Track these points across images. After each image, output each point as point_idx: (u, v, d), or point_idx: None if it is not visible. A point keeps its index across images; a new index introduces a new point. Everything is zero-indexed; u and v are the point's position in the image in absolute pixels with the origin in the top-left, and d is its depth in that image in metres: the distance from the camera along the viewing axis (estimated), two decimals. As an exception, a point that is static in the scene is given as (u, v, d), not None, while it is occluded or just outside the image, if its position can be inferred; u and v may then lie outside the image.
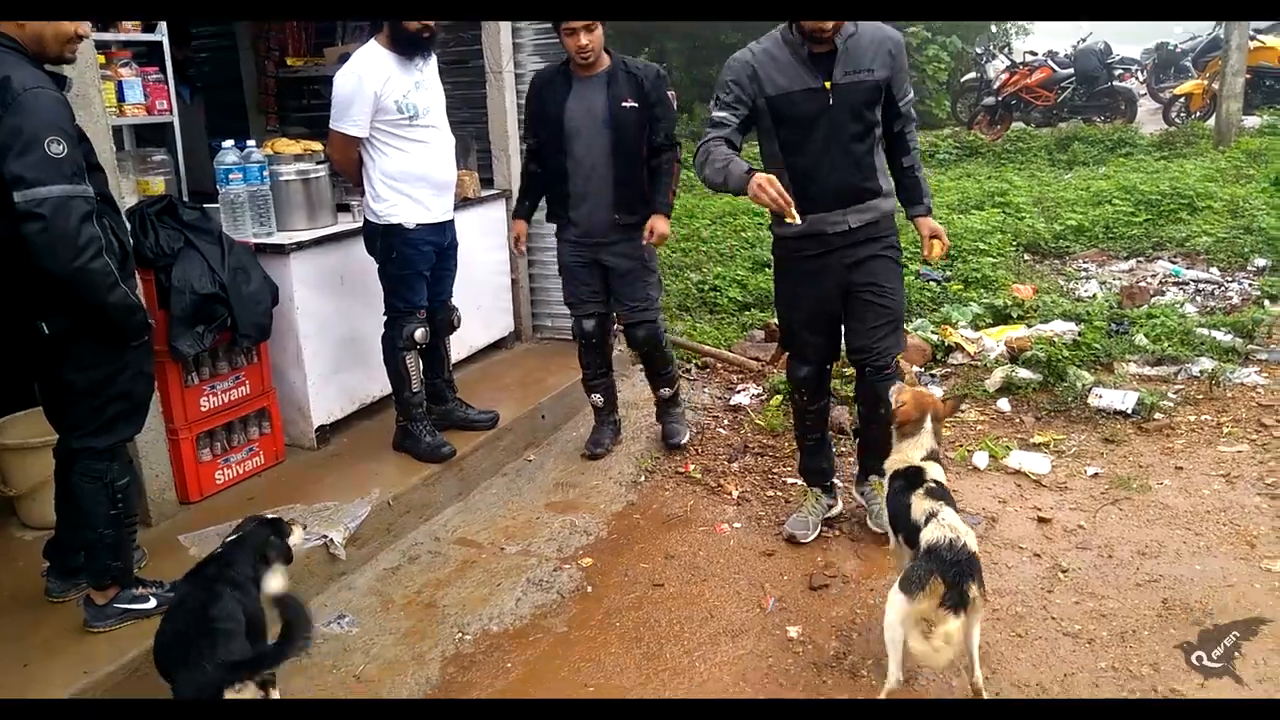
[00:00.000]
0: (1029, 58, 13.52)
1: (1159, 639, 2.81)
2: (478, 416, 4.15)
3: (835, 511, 3.61)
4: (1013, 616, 2.97)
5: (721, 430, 4.53)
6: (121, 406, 2.67)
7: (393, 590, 3.29)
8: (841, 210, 3.14)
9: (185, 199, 4.00)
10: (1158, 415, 4.28)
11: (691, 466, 4.13)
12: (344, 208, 4.17)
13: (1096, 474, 3.85)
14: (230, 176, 3.81)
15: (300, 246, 3.82)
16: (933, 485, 2.70)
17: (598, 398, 4.26)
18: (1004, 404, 4.56)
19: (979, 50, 13.78)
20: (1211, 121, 10.82)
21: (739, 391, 4.93)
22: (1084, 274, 6.42)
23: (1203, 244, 6.56)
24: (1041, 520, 3.52)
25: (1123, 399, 4.35)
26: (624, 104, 3.76)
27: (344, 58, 3.73)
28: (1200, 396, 4.47)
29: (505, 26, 4.87)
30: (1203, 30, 13.69)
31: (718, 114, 3.12)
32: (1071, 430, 4.27)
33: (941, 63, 14.52)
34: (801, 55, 3.04)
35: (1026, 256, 6.91)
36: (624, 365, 5.13)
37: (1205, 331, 5.04)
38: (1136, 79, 13.79)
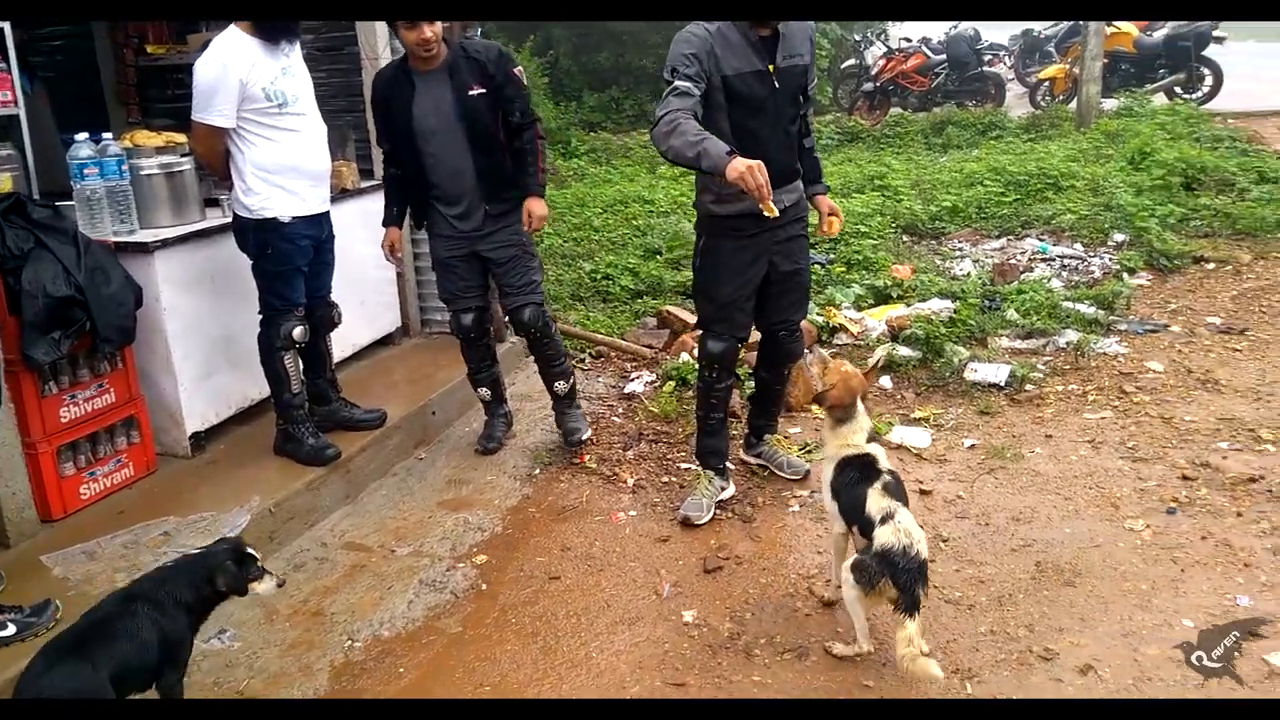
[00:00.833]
0: (904, 44, 13.92)
1: (1033, 601, 2.95)
2: (364, 416, 4.04)
3: (728, 494, 3.66)
4: (898, 588, 3.06)
5: (616, 419, 4.54)
6: None
7: (276, 601, 3.16)
8: (778, 190, 3.17)
9: (36, 197, 3.75)
10: (1028, 387, 4.49)
11: (587, 457, 4.12)
12: (212, 202, 3.98)
13: (973, 445, 4.01)
14: (85, 171, 3.58)
15: (165, 244, 3.63)
16: (889, 480, 2.68)
17: (484, 391, 4.19)
18: (886, 381, 4.70)
19: (857, 37, 14.12)
20: (1074, 105, 11.37)
21: (633, 379, 4.95)
22: (958, 253, 6.67)
23: (1067, 221, 6.89)
24: (923, 492, 3.65)
25: (996, 372, 4.55)
26: (471, 92, 3.66)
27: (208, 45, 3.56)
28: (1067, 367, 4.71)
29: (379, 13, 4.73)
30: (1063, 16, 14.35)
31: (682, 84, 3.02)
32: (950, 404, 4.44)
33: (822, 49, 14.83)
34: (750, 38, 3.13)
35: (905, 238, 7.14)
36: (516, 358, 5.08)
37: (1070, 305, 5.31)
38: (1004, 64, 14.37)
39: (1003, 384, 4.49)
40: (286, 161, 3.49)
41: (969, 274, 6.04)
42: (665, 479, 3.92)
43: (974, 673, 2.65)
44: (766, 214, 2.85)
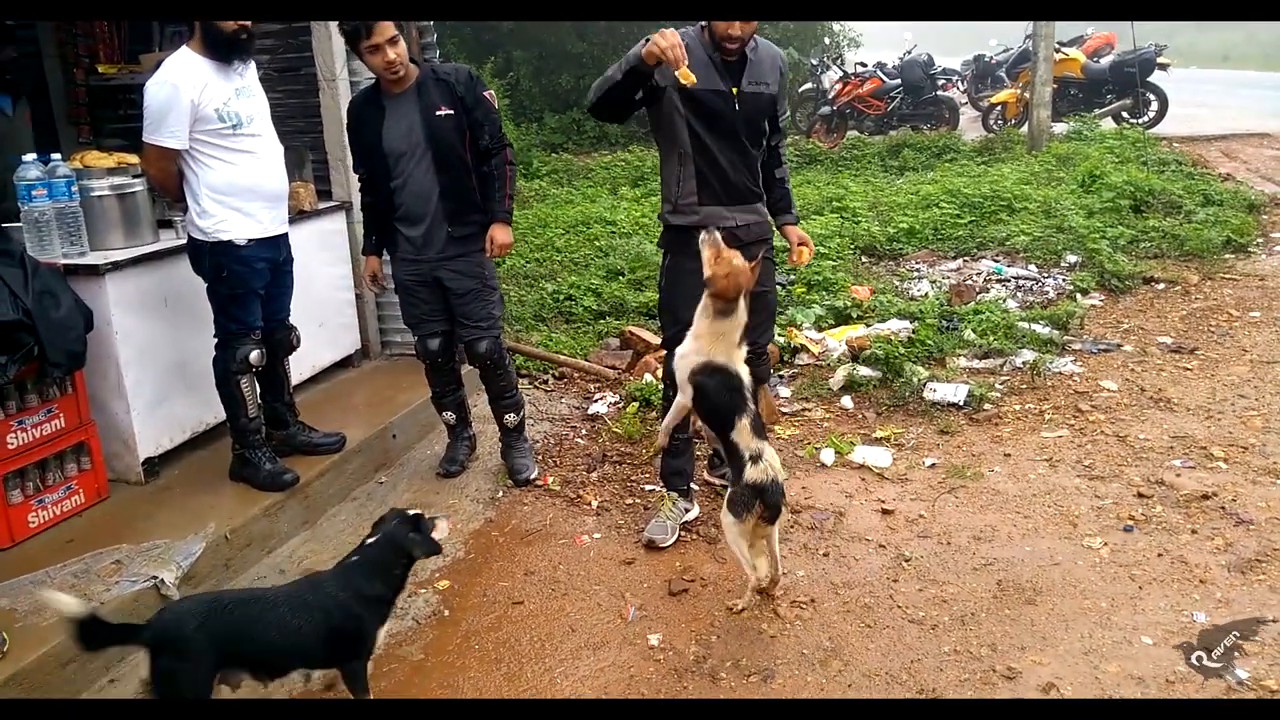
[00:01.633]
0: (860, 69, 14.16)
1: (995, 620, 2.97)
2: (322, 440, 3.97)
3: (692, 515, 3.65)
4: (862, 608, 3.08)
5: (580, 440, 4.51)
6: None
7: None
8: (730, 208, 3.34)
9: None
10: (986, 406, 4.55)
11: (550, 479, 4.09)
12: (166, 224, 3.91)
13: (934, 464, 4.05)
14: (34, 193, 3.49)
15: (117, 266, 3.55)
16: (755, 416, 2.96)
17: (449, 415, 4.15)
18: (847, 401, 4.74)
19: (814, 61, 14.33)
20: (1025, 128, 11.63)
21: (596, 400, 4.93)
22: (916, 274, 6.76)
23: (1021, 243, 7.03)
24: (885, 512, 3.67)
25: (954, 392, 4.60)
26: (438, 113, 3.64)
27: (160, 65, 3.50)
28: (1024, 386, 4.78)
29: (335, 30, 4.69)
30: (1015, 41, 14.68)
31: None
32: (910, 423, 4.48)
33: (780, 73, 15.01)
34: (715, 60, 3.20)
35: (863, 259, 7.23)
36: (478, 380, 5.03)
37: (1026, 325, 5.40)
38: (958, 89, 14.66)
39: (961, 403, 4.55)
40: (242, 183, 3.44)
41: (926, 295, 6.12)
42: (630, 500, 3.90)
43: (939, 692, 2.66)
44: (684, 81, 2.97)
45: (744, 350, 3.01)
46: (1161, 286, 6.28)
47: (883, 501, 3.75)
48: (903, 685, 2.70)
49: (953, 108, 13.28)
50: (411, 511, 2.64)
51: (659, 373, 4.42)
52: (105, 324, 3.49)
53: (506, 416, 4.07)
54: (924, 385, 4.70)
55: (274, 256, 3.62)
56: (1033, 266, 6.71)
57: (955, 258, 7.15)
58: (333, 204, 4.80)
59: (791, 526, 3.60)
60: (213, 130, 3.34)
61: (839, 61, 14.96)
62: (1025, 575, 3.20)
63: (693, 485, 3.70)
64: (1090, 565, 3.24)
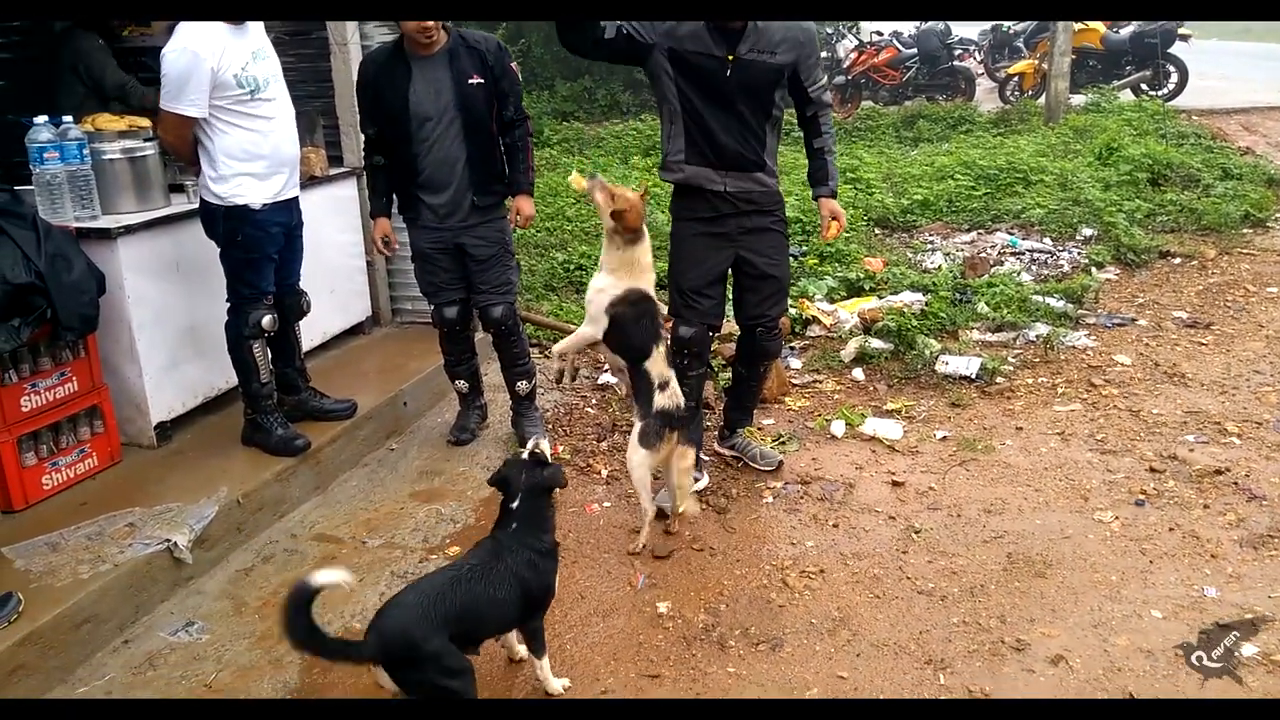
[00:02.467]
0: (875, 38, 13.96)
1: (1005, 592, 2.98)
2: (333, 406, 3.98)
3: (702, 485, 3.65)
4: (871, 578, 3.08)
5: (590, 409, 4.52)
6: None
7: (246, 593, 3.12)
8: (722, 173, 3.31)
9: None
10: (999, 379, 4.53)
11: (560, 447, 4.09)
12: (177, 188, 3.89)
13: (945, 437, 4.04)
14: (45, 155, 3.48)
15: (129, 230, 3.54)
16: (667, 344, 3.20)
17: (462, 384, 4.15)
18: (859, 373, 4.72)
19: (829, 30, 14.13)
20: (1042, 100, 11.47)
21: (606, 370, 4.92)
22: (929, 246, 6.71)
23: (1036, 215, 6.96)
24: (895, 484, 3.67)
25: (967, 365, 4.58)
26: (470, 81, 3.63)
27: (172, 28, 3.47)
28: (1037, 360, 4.75)
29: (349, -4, 4.65)
30: (1033, 13, 14.45)
31: None
32: (921, 396, 4.46)
33: (795, 41, 14.81)
34: (709, 24, 3.17)
35: (877, 230, 7.17)
36: (490, 348, 5.03)
37: (1040, 299, 5.36)
38: (974, 59, 14.45)
39: (973, 376, 4.53)
40: (258, 148, 3.42)
41: (940, 267, 6.08)
42: (639, 470, 3.90)
43: (946, 663, 2.67)
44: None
45: (653, 275, 3.25)
46: (1178, 261, 6.22)
47: (893, 473, 3.75)
48: (911, 655, 2.71)
49: (969, 78, 13.10)
50: (524, 454, 2.67)
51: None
52: (117, 288, 3.49)
53: (519, 384, 4.08)
54: (936, 358, 4.67)
55: (288, 220, 3.61)
56: (1048, 239, 6.65)
57: (969, 230, 7.08)
58: (344, 170, 4.78)
59: (801, 497, 3.60)
60: (232, 96, 3.31)
61: (854, 30, 14.75)
62: (1035, 548, 3.19)
63: (703, 456, 3.70)
64: (1101, 539, 3.23)
